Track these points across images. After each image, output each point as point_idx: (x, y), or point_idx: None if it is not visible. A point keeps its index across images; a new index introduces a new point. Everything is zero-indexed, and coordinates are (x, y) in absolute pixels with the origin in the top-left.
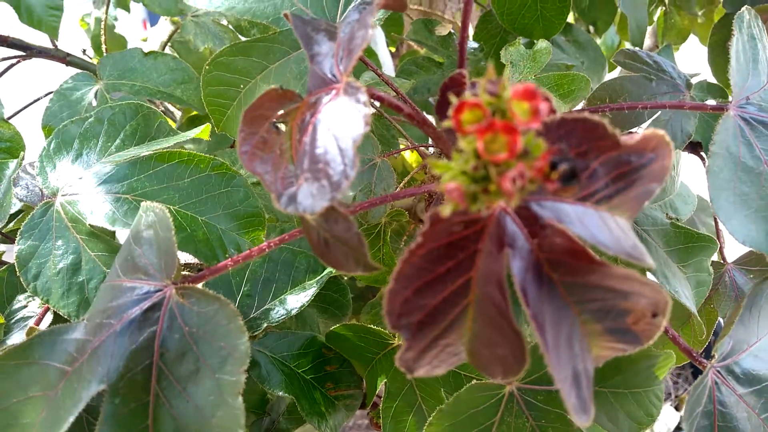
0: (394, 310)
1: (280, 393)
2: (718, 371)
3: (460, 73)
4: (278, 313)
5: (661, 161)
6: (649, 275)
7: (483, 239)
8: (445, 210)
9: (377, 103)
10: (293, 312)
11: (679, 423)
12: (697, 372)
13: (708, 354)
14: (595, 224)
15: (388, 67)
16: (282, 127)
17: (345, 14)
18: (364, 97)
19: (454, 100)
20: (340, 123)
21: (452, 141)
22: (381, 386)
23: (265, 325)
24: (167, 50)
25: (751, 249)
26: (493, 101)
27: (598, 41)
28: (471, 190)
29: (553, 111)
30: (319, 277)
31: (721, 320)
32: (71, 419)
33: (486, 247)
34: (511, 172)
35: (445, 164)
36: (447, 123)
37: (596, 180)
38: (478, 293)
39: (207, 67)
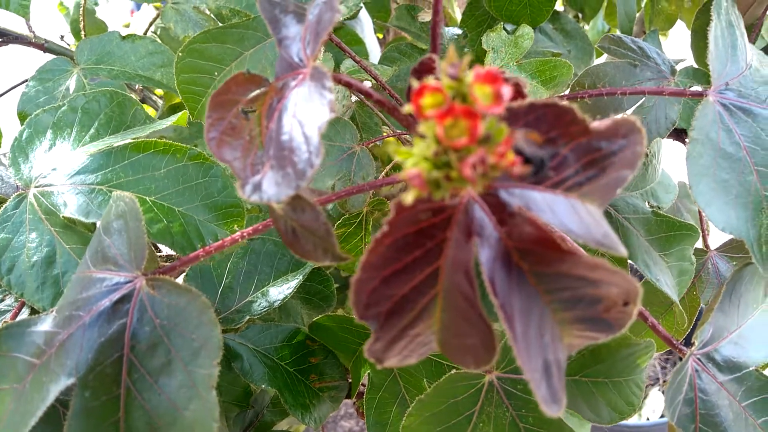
0: (361, 301)
1: (263, 386)
2: (699, 359)
3: (430, 58)
4: (261, 305)
5: (632, 147)
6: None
7: (451, 227)
8: (408, 197)
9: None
10: (276, 304)
11: None
12: None
13: (689, 341)
14: (564, 212)
15: (376, 55)
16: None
17: None
18: (329, 82)
19: (415, 84)
20: (306, 109)
21: (415, 127)
22: (365, 376)
23: (248, 317)
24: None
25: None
26: (454, 85)
27: (587, 28)
28: (433, 176)
29: (521, 95)
30: (302, 269)
31: (704, 307)
32: (39, 413)
33: (454, 235)
34: (471, 157)
35: (406, 150)
36: (408, 108)
37: (566, 167)
38: (447, 283)
39: (180, 54)
